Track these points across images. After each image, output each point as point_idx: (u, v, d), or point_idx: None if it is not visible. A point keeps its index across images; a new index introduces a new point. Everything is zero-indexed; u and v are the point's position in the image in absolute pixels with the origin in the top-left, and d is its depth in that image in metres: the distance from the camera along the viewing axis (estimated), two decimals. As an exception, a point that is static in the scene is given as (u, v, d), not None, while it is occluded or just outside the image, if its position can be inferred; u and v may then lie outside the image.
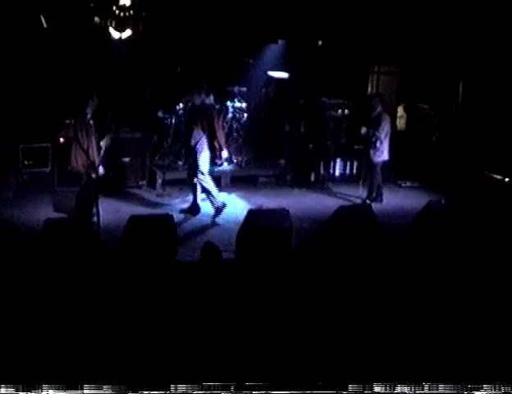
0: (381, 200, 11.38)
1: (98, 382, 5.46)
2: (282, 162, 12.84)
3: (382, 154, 11.14)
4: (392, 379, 5.63)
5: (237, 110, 12.66)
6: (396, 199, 11.79)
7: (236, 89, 12.88)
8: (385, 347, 6.33)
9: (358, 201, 11.41)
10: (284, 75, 13.36)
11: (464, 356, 6.16)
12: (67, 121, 11.18)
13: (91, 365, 5.80)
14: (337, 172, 12.90)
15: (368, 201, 11.24)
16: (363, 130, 11.22)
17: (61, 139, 11.16)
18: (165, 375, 5.75)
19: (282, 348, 6.22)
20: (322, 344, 6.34)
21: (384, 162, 11.32)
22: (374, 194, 11.37)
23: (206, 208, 11.04)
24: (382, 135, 11.03)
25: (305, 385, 5.61)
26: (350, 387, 5.58)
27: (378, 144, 11.03)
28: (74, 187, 11.09)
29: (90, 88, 11.21)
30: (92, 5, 10.72)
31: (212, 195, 10.21)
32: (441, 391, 5.62)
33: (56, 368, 5.74)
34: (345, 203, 11.17)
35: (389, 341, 6.44)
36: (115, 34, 10.77)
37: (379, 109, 11.16)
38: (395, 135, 11.65)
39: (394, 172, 12.68)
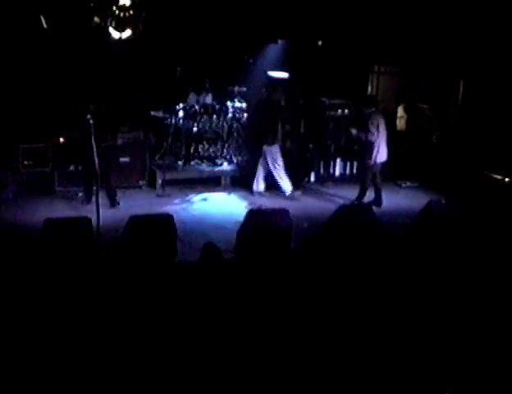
0: (379, 204, 11.16)
1: (96, 385, 5.47)
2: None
3: (372, 155, 10.99)
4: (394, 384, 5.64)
5: (237, 110, 12.66)
6: (396, 199, 11.78)
7: (236, 89, 12.88)
8: (384, 348, 6.33)
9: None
10: (284, 75, 13.36)
11: (463, 360, 6.17)
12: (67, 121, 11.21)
13: (89, 366, 5.80)
14: (337, 172, 12.90)
15: (355, 202, 11.19)
16: (354, 131, 11.15)
17: (61, 139, 11.17)
18: (164, 376, 5.75)
19: (283, 348, 6.22)
20: (322, 344, 6.34)
21: (376, 164, 11.13)
22: (362, 195, 11.28)
23: (206, 208, 11.06)
24: (372, 138, 10.92)
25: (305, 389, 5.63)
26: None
27: (368, 145, 10.96)
28: (74, 187, 11.16)
29: (90, 88, 11.27)
30: (92, 5, 10.71)
31: None
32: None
33: (55, 368, 5.75)
34: (345, 203, 11.18)
35: (388, 342, 6.45)
36: (115, 34, 10.77)
37: (367, 112, 11.04)
38: (391, 135, 11.55)
39: (394, 172, 12.68)
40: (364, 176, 11.28)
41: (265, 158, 11.45)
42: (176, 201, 11.24)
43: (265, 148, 11.37)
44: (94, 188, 9.69)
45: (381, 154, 11.05)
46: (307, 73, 12.87)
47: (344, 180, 12.78)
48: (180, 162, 12.23)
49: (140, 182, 11.79)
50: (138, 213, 9.07)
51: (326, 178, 12.77)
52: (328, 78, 12.94)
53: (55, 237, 7.63)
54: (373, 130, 10.87)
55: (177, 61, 12.42)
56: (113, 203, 10.55)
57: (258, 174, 11.59)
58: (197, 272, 7.12)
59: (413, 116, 13.56)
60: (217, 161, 12.52)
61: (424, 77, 13.52)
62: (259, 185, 11.64)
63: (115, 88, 11.57)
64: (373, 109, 11.10)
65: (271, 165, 11.43)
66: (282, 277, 7.74)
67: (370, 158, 11.01)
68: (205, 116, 12.47)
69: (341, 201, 11.36)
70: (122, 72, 11.82)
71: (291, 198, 11.44)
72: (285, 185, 11.49)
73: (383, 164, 11.28)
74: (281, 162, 11.47)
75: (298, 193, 11.66)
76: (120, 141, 11.25)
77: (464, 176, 11.91)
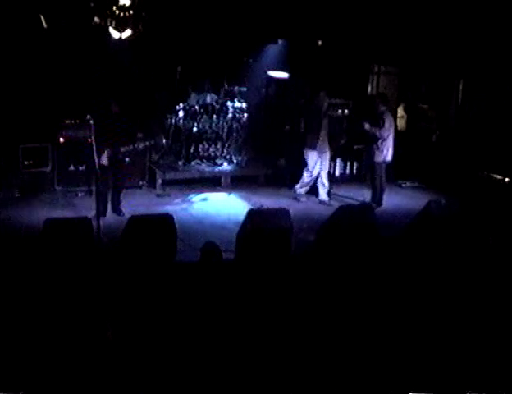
0: (380, 204, 11.20)
1: (95, 384, 5.47)
2: (282, 161, 12.84)
3: (382, 154, 11.12)
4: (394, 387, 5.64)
5: (237, 110, 12.66)
6: (396, 199, 11.78)
7: (236, 89, 12.88)
8: (384, 349, 6.33)
9: (358, 202, 11.41)
10: (284, 75, 13.36)
11: (463, 360, 6.17)
12: (67, 121, 11.21)
13: (89, 365, 5.81)
14: (337, 172, 12.90)
15: (373, 205, 11.15)
16: (367, 125, 11.17)
17: (61, 139, 11.16)
18: (164, 376, 5.75)
19: (282, 349, 6.22)
20: (321, 344, 6.35)
21: (385, 163, 11.26)
22: (375, 195, 11.33)
23: (206, 208, 11.07)
24: (385, 135, 11.01)
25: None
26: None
27: (379, 143, 11.03)
28: (73, 187, 11.17)
29: (90, 88, 11.27)
30: (92, 5, 10.71)
31: None
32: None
33: (54, 368, 5.75)
34: (345, 203, 11.17)
35: (388, 343, 6.45)
36: (115, 34, 10.76)
37: (381, 109, 11.17)
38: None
39: (394, 172, 12.68)
40: (374, 174, 11.27)
41: (320, 161, 11.42)
42: (176, 201, 11.25)
43: (318, 151, 11.33)
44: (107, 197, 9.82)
45: (389, 153, 11.14)
46: (307, 73, 12.86)
47: (344, 180, 12.78)
48: (180, 162, 12.23)
49: (140, 182, 11.78)
50: (138, 213, 9.10)
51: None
52: (328, 78, 12.93)
53: (55, 237, 7.63)
54: (387, 126, 10.99)
55: (177, 61, 12.44)
56: (115, 208, 10.23)
57: (319, 183, 11.50)
58: (197, 272, 7.12)
59: (413, 116, 13.57)
60: (217, 161, 12.53)
61: (424, 77, 13.52)
62: (323, 193, 11.54)
63: (117, 88, 11.56)
64: (386, 108, 11.21)
65: (321, 167, 11.43)
66: (282, 278, 7.74)
67: (381, 155, 11.06)
68: (205, 116, 12.48)
69: (341, 201, 11.36)
70: (122, 72, 11.82)
71: (296, 198, 11.48)
72: (324, 192, 11.52)
73: (388, 164, 11.33)
74: (327, 166, 11.55)
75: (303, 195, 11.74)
76: (141, 146, 10.54)
77: (464, 176, 11.92)
